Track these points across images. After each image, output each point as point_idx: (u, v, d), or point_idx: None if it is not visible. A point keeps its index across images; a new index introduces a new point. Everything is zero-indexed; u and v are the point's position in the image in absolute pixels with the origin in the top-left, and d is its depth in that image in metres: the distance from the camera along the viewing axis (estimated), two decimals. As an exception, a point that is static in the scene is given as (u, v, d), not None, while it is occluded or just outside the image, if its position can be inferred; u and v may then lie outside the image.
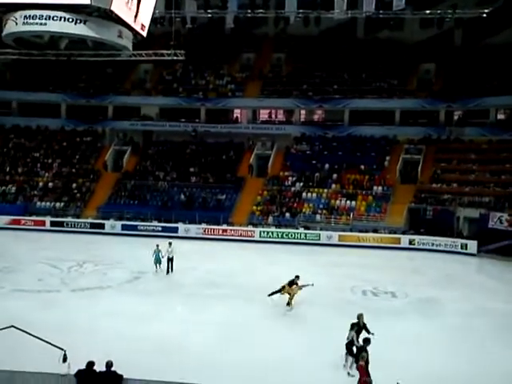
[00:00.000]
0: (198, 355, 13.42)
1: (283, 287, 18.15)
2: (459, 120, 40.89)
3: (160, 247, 22.99)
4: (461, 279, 24.53)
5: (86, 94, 43.82)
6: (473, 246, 29.96)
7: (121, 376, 9.63)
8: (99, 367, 9.56)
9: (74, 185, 39.29)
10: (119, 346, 13.35)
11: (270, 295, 18.18)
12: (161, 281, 22.17)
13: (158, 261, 22.90)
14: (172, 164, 40.57)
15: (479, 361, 13.66)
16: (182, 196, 37.34)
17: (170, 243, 22.96)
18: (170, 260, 22.82)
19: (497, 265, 27.50)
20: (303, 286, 18.08)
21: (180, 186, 38.27)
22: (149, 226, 34.51)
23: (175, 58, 33.79)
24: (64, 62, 36.78)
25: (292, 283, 18.10)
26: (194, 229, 33.97)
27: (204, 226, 34.19)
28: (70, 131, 44.19)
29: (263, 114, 45.27)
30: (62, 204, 37.62)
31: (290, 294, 18.05)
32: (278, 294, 18.15)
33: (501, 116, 40.17)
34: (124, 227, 34.49)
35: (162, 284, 21.67)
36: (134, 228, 34.36)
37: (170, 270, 22.90)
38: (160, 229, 34.12)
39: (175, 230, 33.88)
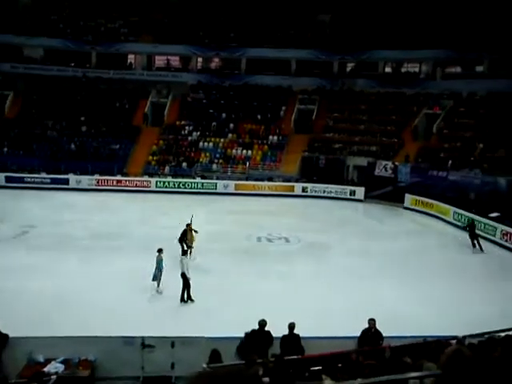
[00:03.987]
0: (95, 308, 13.18)
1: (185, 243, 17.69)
2: (351, 71, 42.42)
3: (163, 254, 15.26)
4: (349, 223, 26.12)
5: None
6: (360, 192, 31.93)
7: (6, 336, 9.21)
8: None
9: (-52, 133, 35.76)
10: (12, 303, 12.73)
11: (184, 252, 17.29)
12: (51, 235, 21.16)
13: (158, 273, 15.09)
14: (61, 112, 38.10)
15: (358, 295, 14.80)
16: (73, 146, 35.48)
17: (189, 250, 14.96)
18: (183, 278, 14.40)
19: (381, 209, 29.57)
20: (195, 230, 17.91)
21: (70, 136, 36.25)
22: (36, 177, 32.52)
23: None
24: None
25: (186, 232, 17.96)
26: (86, 180, 32.60)
27: (97, 176, 32.91)
28: None
29: (159, 61, 43.77)
30: None
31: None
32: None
33: (388, 69, 42.21)
34: (8, 179, 32.15)
35: (53, 238, 20.67)
36: (20, 180, 32.19)
37: (186, 295, 14.48)
38: (49, 181, 32.35)
39: (65, 181, 32.35)
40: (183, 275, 14.38)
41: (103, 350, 9.98)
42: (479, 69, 38.58)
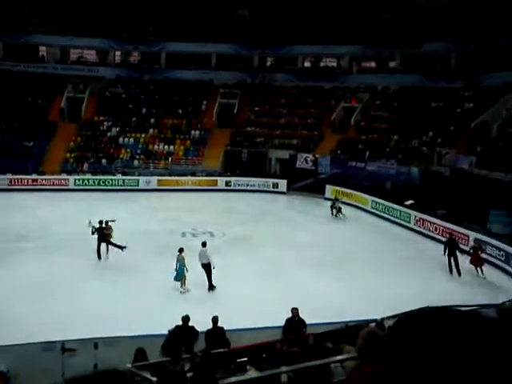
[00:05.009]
0: (11, 315, 12.42)
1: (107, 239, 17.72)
2: (271, 66, 42.89)
3: (184, 253, 15.05)
4: (272, 216, 26.43)
5: None
6: (283, 184, 32.44)
7: None
8: None
9: None
10: None
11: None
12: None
13: (180, 275, 14.93)
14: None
15: (285, 286, 15.05)
16: (-19, 143, 33.34)
17: (205, 243, 15.42)
18: (206, 267, 14.95)
19: (303, 201, 30.20)
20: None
21: (-23, 132, 34.03)
22: None
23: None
24: None
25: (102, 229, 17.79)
26: (-2, 179, 30.77)
27: (10, 176, 31.13)
28: None
29: (74, 54, 42.03)
30: None
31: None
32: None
33: (307, 63, 43.11)
34: None
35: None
36: None
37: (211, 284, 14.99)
38: (-45, 181, 30.18)
39: (-26, 181, 30.33)
40: (206, 265, 14.70)
41: (18, 359, 9.44)
42: (392, 64, 40.37)
